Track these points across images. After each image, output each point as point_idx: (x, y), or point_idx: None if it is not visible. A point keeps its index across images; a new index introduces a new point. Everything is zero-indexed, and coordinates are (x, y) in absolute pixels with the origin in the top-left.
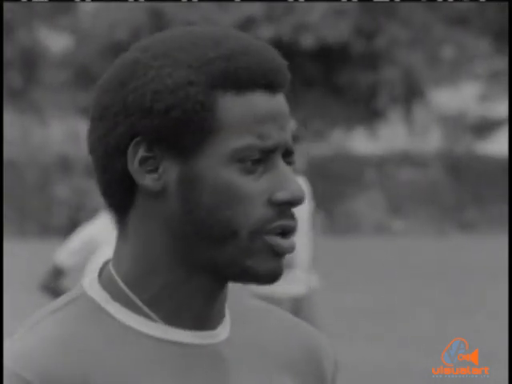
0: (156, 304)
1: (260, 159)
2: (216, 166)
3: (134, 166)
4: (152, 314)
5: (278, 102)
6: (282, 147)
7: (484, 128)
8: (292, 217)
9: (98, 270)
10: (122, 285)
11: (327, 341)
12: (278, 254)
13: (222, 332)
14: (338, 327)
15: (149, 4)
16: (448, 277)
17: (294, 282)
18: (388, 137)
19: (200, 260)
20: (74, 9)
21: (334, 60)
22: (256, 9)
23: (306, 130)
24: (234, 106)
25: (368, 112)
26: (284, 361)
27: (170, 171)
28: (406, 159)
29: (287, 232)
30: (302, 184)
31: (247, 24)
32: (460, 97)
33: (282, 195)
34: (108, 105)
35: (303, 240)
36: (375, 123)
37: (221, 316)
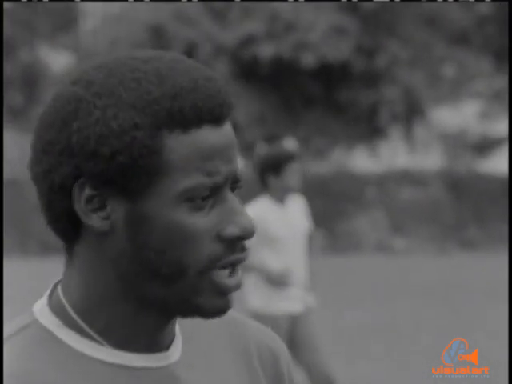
0: (107, 333)
1: (209, 195)
2: (164, 206)
3: (80, 205)
4: (103, 341)
5: (225, 133)
6: (230, 179)
7: (485, 146)
8: (242, 249)
9: (47, 294)
10: (72, 313)
11: (278, 339)
12: (225, 293)
13: (175, 352)
14: (338, 346)
15: (149, 21)
16: (449, 295)
17: (291, 299)
18: (388, 155)
19: (148, 297)
20: (75, 27)
21: (334, 79)
22: (256, 27)
23: (307, 149)
24: (180, 146)
25: (368, 130)
26: (235, 375)
27: (117, 210)
28: (407, 177)
29: (235, 266)
30: (250, 217)
31: (248, 42)
32: (460, 115)
33: (230, 230)
34: (51, 141)
35: (300, 258)
36: (376, 142)
37: (172, 336)
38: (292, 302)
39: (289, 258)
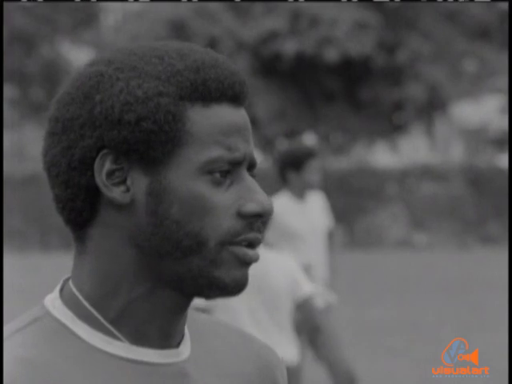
0: (121, 322)
1: (228, 171)
2: (186, 177)
3: (102, 178)
4: (117, 333)
5: (242, 115)
6: (248, 159)
7: (505, 141)
8: (259, 230)
9: (58, 288)
10: (86, 304)
11: (276, 353)
12: (245, 262)
13: (185, 350)
14: (360, 342)
15: (170, 17)
16: (470, 290)
17: None
18: (409, 150)
19: (166, 274)
20: (96, 23)
21: (356, 75)
22: (280, 23)
23: (327, 145)
24: (201, 119)
25: (389, 126)
26: (239, 378)
27: (138, 183)
28: (428, 173)
29: (254, 245)
30: (268, 199)
31: (270, 38)
32: (482, 110)
33: (251, 207)
34: (72, 117)
35: (320, 255)
36: (397, 137)
37: (182, 334)
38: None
39: (309, 255)
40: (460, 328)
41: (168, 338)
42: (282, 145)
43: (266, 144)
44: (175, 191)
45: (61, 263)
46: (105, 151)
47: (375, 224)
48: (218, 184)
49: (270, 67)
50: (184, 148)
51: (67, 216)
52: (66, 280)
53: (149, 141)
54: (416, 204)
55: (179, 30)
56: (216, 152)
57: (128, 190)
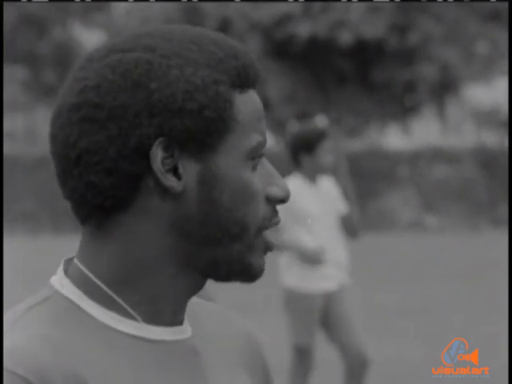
0: (140, 304)
1: (260, 156)
2: (234, 164)
3: (158, 165)
4: (132, 312)
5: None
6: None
7: None
8: (277, 213)
9: (61, 269)
10: (99, 283)
11: (255, 328)
12: (269, 250)
13: (187, 327)
14: (372, 324)
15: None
16: (481, 273)
17: (325, 278)
18: (421, 133)
19: (202, 260)
20: (108, 6)
21: (368, 57)
22: (292, 6)
23: (339, 127)
24: (243, 105)
25: (401, 108)
26: (237, 358)
27: (189, 171)
28: (440, 155)
29: (274, 227)
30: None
31: (283, 21)
32: (493, 93)
33: (277, 192)
34: (122, 105)
35: (334, 236)
36: (408, 119)
37: (184, 313)
38: (326, 280)
39: (322, 237)
40: (471, 311)
41: (177, 315)
42: (294, 127)
43: (278, 126)
44: (225, 178)
45: (73, 246)
46: (161, 139)
47: (387, 206)
48: (254, 169)
49: (282, 50)
50: (232, 134)
51: (100, 202)
52: (69, 261)
53: (208, 129)
54: (427, 186)
55: (191, 11)
56: (257, 138)
57: (180, 178)
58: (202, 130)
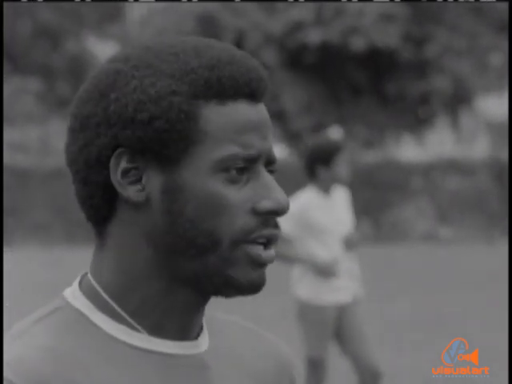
0: (140, 315)
1: (244, 168)
2: (200, 176)
3: (116, 177)
4: (136, 325)
5: (260, 111)
6: (265, 156)
7: None
8: (276, 226)
9: (76, 282)
10: (105, 296)
11: (291, 353)
12: (259, 264)
13: (203, 342)
14: (385, 336)
15: (198, 10)
16: (496, 285)
17: (339, 290)
18: (435, 144)
19: (182, 272)
20: (122, 17)
21: (381, 67)
22: (305, 13)
23: (353, 139)
24: (216, 116)
25: (415, 120)
26: (257, 374)
27: (153, 182)
28: (454, 166)
29: (270, 242)
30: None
31: (296, 28)
32: (507, 104)
33: (265, 204)
34: (89, 115)
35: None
36: (423, 131)
37: (200, 327)
38: (340, 292)
39: (336, 249)
40: (486, 322)
41: (186, 331)
42: (310, 140)
43: (293, 137)
44: (190, 189)
45: (86, 257)
46: (120, 150)
47: (401, 218)
48: (233, 181)
49: (297, 59)
50: (198, 146)
51: (87, 212)
52: (85, 274)
53: (162, 140)
54: (442, 198)
55: (207, 23)
56: (230, 150)
57: (143, 188)
58: (155, 140)
